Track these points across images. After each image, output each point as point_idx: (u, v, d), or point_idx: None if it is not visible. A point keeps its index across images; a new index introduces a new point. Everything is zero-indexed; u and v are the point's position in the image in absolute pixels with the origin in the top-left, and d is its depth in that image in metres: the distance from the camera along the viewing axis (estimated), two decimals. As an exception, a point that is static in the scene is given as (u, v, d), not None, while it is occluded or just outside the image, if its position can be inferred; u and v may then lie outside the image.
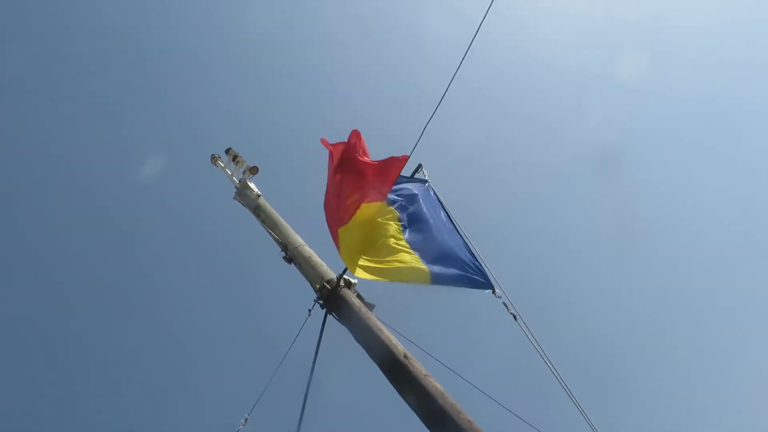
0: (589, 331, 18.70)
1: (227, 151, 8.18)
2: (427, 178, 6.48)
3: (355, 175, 6.05)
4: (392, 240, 5.83)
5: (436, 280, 5.45)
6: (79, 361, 17.98)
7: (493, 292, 5.37)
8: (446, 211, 6.20)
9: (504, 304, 5.20)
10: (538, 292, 18.61)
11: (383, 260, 5.65)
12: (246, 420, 6.24)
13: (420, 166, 6.51)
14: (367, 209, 6.02)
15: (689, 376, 17.75)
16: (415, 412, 4.89)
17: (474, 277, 5.46)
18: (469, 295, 5.68)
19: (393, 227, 5.98)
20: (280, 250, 6.75)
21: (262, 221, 7.22)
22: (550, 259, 20.20)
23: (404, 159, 5.87)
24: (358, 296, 6.03)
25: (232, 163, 8.12)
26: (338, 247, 5.92)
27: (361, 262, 5.63)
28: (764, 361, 17.96)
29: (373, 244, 5.83)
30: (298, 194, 14.50)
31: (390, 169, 5.97)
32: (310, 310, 6.07)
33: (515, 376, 13.53)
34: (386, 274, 5.55)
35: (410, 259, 5.66)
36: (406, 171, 6.47)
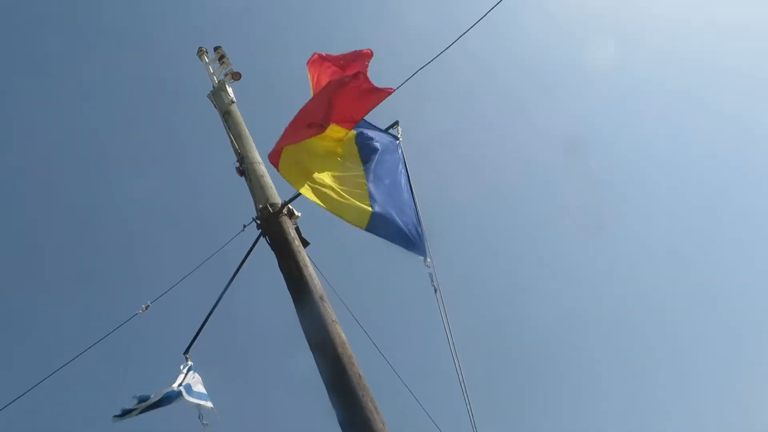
0: (517, 324, 18.83)
1: (216, 49, 7.96)
2: (400, 136, 6.38)
3: (326, 97, 5.93)
4: (348, 173, 5.78)
5: (373, 225, 5.40)
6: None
7: (425, 261, 5.37)
8: (407, 174, 6.14)
9: (430, 275, 5.21)
10: (479, 274, 18.74)
11: (332, 188, 5.59)
12: (147, 307, 6.12)
13: (396, 122, 6.41)
14: (333, 133, 5.93)
15: (616, 375, 17.85)
16: (312, 354, 4.93)
17: (411, 239, 5.43)
18: (406, 261, 5.67)
19: (352, 162, 5.92)
20: (236, 160, 6.66)
21: (228, 128, 7.09)
22: (500, 244, 20.24)
23: (388, 92, 5.78)
24: (297, 229, 5.99)
25: (217, 62, 7.90)
26: (277, 164, 5.79)
27: (308, 183, 5.59)
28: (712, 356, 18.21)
29: (325, 169, 5.76)
30: (273, 116, 14.11)
31: (370, 98, 5.85)
32: (245, 226, 6.01)
33: (422, 350, 13.70)
34: (329, 202, 5.50)
35: (359, 193, 5.59)
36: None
